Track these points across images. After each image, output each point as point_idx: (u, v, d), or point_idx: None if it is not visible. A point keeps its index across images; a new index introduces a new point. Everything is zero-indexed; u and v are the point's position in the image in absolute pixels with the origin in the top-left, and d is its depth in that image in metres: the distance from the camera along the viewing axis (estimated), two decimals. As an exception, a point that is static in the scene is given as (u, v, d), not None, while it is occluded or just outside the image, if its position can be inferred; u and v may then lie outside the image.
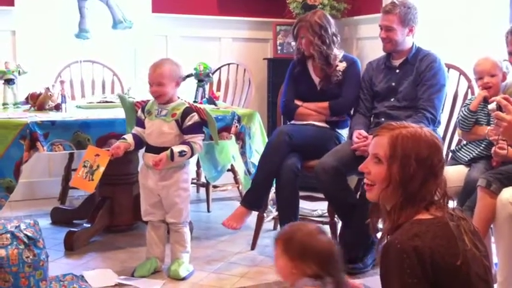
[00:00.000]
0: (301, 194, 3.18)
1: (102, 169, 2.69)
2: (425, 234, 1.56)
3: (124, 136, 2.84)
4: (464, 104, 2.88)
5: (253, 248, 3.29)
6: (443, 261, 1.54)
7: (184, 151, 2.75)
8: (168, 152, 2.72)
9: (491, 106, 2.13)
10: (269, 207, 3.39)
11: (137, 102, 2.94)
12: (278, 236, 1.91)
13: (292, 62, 3.45)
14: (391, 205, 1.69)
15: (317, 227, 1.93)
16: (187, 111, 2.80)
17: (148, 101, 2.89)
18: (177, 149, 2.74)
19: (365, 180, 1.78)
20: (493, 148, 2.46)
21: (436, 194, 1.68)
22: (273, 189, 3.19)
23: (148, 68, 2.84)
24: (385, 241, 1.64)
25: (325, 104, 3.29)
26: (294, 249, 1.83)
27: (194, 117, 2.80)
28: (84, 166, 2.70)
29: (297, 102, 3.36)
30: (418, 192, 1.65)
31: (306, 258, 1.81)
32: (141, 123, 2.86)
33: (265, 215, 3.31)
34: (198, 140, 2.81)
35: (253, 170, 3.34)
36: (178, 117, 2.78)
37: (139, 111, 2.88)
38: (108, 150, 2.77)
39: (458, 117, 2.88)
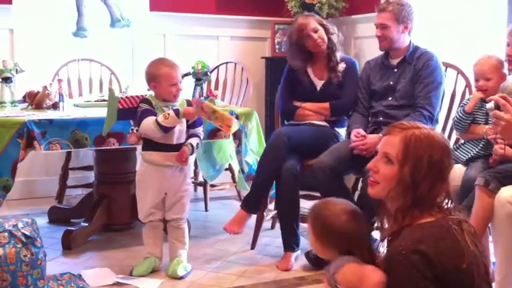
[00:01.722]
0: (301, 193, 3.15)
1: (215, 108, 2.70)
2: (428, 237, 1.55)
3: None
4: (461, 105, 2.88)
5: (253, 247, 3.28)
6: (450, 263, 1.53)
7: (198, 143, 2.83)
8: (190, 146, 2.77)
9: (490, 105, 2.13)
10: (269, 206, 3.37)
11: (122, 99, 2.83)
12: (309, 211, 1.92)
13: (288, 64, 3.43)
14: (397, 206, 1.66)
15: (344, 207, 1.86)
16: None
17: (144, 96, 2.84)
18: (194, 142, 2.79)
19: (370, 178, 1.75)
20: (495, 146, 2.46)
21: (440, 197, 1.67)
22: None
23: (155, 66, 2.79)
24: (388, 248, 1.62)
25: (326, 104, 3.28)
26: (318, 228, 1.84)
27: None
28: (209, 118, 2.70)
29: (296, 103, 3.35)
30: (427, 196, 1.62)
31: (327, 239, 1.82)
32: (154, 114, 2.75)
33: (265, 214, 3.30)
34: (201, 131, 2.89)
35: (247, 169, 3.34)
36: None
37: (146, 104, 2.77)
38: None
39: (454, 118, 2.87)
